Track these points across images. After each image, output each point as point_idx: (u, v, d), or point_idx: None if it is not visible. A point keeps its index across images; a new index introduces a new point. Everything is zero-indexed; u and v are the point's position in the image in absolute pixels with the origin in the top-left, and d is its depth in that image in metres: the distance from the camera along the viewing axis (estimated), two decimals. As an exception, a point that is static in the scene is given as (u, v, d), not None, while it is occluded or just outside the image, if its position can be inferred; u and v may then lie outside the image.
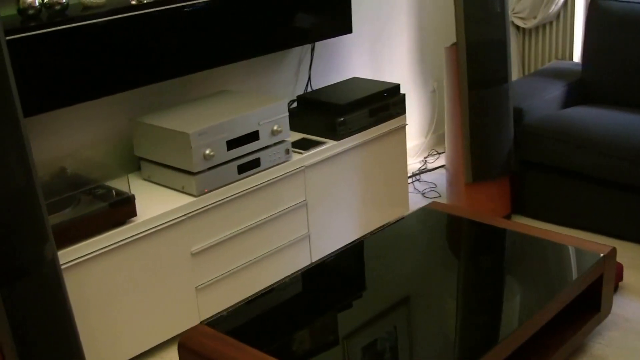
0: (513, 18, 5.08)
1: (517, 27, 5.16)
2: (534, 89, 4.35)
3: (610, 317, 3.36)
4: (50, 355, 2.42)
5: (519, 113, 4.14)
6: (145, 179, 3.47)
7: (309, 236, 3.78)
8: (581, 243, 3.20)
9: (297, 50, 4.21)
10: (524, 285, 2.93)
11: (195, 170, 3.24)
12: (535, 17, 5.01)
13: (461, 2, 3.81)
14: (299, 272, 3.69)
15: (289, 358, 2.52)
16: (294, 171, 3.62)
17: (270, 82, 4.11)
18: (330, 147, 3.77)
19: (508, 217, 4.28)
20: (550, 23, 5.03)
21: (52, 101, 3.02)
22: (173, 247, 3.22)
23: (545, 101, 4.29)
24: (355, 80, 4.21)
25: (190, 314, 3.34)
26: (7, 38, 2.69)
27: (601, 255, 3.11)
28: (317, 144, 3.76)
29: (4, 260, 2.22)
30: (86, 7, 3.13)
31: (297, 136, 3.86)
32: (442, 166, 5.02)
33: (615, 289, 3.50)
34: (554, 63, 4.87)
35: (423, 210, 3.54)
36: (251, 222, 3.49)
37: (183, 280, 3.28)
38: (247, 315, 2.80)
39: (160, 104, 3.64)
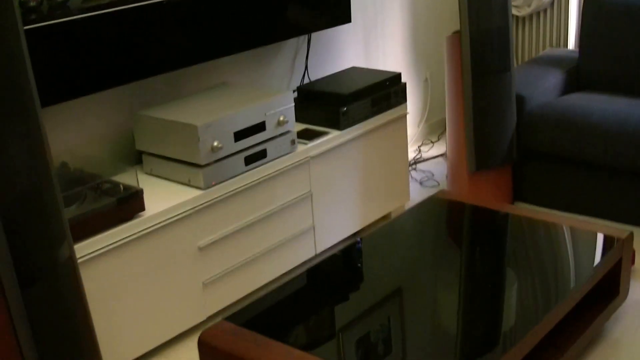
0: (507, 6, 4.97)
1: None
2: (533, 77, 4.24)
3: (625, 301, 3.26)
4: (68, 356, 2.27)
5: (520, 101, 4.03)
6: (147, 173, 3.31)
7: (314, 228, 3.64)
8: (598, 228, 3.11)
9: (292, 41, 4.07)
10: (547, 272, 2.81)
11: (202, 163, 3.10)
12: (529, 6, 4.91)
13: (464, -9, 3.70)
14: (315, 262, 3.59)
15: (318, 350, 2.39)
16: (299, 162, 3.48)
17: (266, 74, 3.97)
18: (334, 137, 3.64)
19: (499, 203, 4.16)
20: (544, 11, 4.93)
21: (49, 96, 2.86)
22: (180, 242, 3.07)
23: (545, 89, 4.18)
24: (354, 70, 4.08)
25: (196, 310, 3.20)
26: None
27: (620, 239, 3.01)
28: (320, 134, 3.63)
29: (25, 261, 2.06)
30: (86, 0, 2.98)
31: (299, 127, 3.73)
32: (441, 155, 4.89)
33: (628, 274, 3.40)
34: (548, 51, 4.76)
35: (432, 199, 3.41)
36: (257, 214, 3.35)
37: (190, 276, 3.14)
38: (265, 308, 2.66)
39: (158, 98, 3.49)
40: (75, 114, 3.20)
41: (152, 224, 2.95)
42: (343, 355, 2.38)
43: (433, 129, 5.27)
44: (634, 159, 3.72)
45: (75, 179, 2.96)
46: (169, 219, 3.00)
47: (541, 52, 4.83)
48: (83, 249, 2.76)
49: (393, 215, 4.15)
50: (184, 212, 3.05)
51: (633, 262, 3.44)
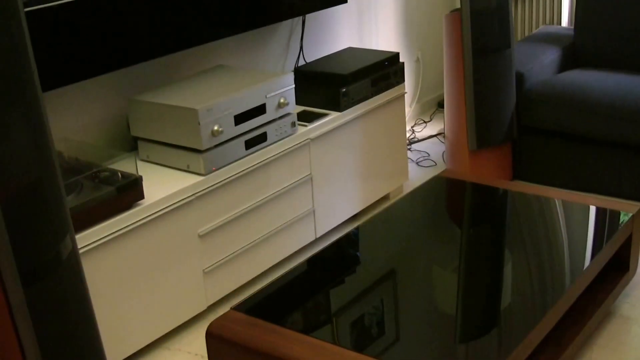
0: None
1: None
2: (530, 54, 4.09)
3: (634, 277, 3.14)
4: (71, 354, 2.10)
5: (520, 78, 3.88)
6: (143, 160, 3.14)
7: (314, 211, 3.49)
8: (608, 204, 2.98)
9: (287, 23, 3.90)
10: (559, 250, 2.68)
11: (203, 148, 2.93)
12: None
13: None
14: (319, 247, 3.44)
15: (335, 337, 2.24)
16: (299, 144, 3.32)
17: (261, 56, 3.80)
18: (334, 118, 3.48)
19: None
20: (538, -13, 4.79)
21: (41, 83, 2.66)
22: (180, 229, 2.91)
23: (543, 66, 4.04)
24: (351, 51, 3.91)
25: (197, 299, 3.04)
26: None
27: (630, 214, 2.89)
28: (320, 116, 3.46)
29: (27, 257, 1.90)
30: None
31: (298, 109, 3.56)
32: (438, 134, 4.74)
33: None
34: (543, 28, 4.61)
35: (437, 179, 3.26)
36: (257, 199, 3.19)
37: (190, 265, 2.97)
38: (274, 296, 2.50)
39: (152, 83, 3.31)
40: (67, 100, 3.02)
41: (151, 212, 2.78)
42: (359, 339, 2.24)
43: (425, 109, 5.12)
44: (634, 133, 3.59)
45: (71, 167, 2.79)
46: (168, 206, 2.84)
47: (535, 30, 4.68)
48: (82, 240, 2.58)
49: (392, 196, 4.00)
50: (184, 199, 2.89)
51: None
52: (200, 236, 2.98)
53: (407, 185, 4.10)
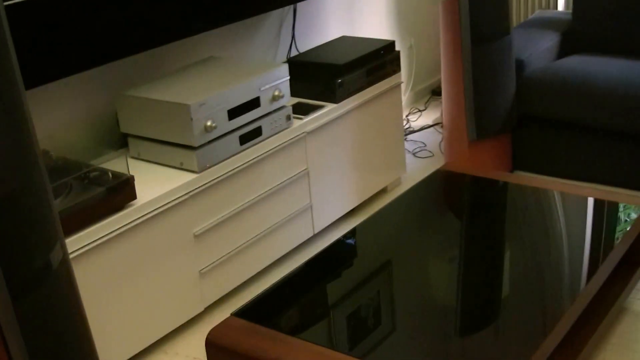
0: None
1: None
2: (528, 41, 3.97)
3: None
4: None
5: (519, 65, 3.76)
6: (134, 157, 3.01)
7: (311, 206, 3.37)
8: (618, 197, 2.87)
9: (277, 12, 3.76)
10: (574, 245, 2.56)
11: (196, 145, 2.80)
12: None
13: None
14: (319, 246, 3.33)
15: (339, 346, 2.12)
16: (295, 138, 3.20)
17: (252, 47, 3.67)
18: (330, 110, 3.36)
19: (510, 173, 3.91)
20: (533, -30, 4.67)
21: (25, 80, 2.55)
22: (174, 230, 2.79)
23: (542, 52, 3.92)
24: (345, 39, 3.78)
25: (194, 301, 2.92)
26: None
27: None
28: (316, 108, 3.34)
29: (16, 269, 1.77)
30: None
31: (292, 101, 3.44)
32: (435, 124, 4.62)
33: None
34: (539, 13, 4.49)
35: (437, 173, 3.15)
36: (253, 196, 3.07)
37: (186, 266, 2.85)
38: (274, 301, 2.38)
39: (141, 77, 3.17)
40: (53, 97, 2.88)
41: (144, 213, 2.66)
42: (366, 347, 2.12)
43: (419, 97, 5.01)
44: (637, 121, 3.48)
45: (59, 168, 2.66)
46: (162, 206, 2.71)
47: (531, 15, 4.56)
48: (72, 244, 2.46)
49: (390, 189, 3.88)
50: (177, 198, 2.77)
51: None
52: (196, 236, 2.86)
53: (404, 177, 3.99)
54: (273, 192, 3.15)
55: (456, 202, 2.95)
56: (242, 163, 2.98)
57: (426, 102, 4.96)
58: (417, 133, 4.54)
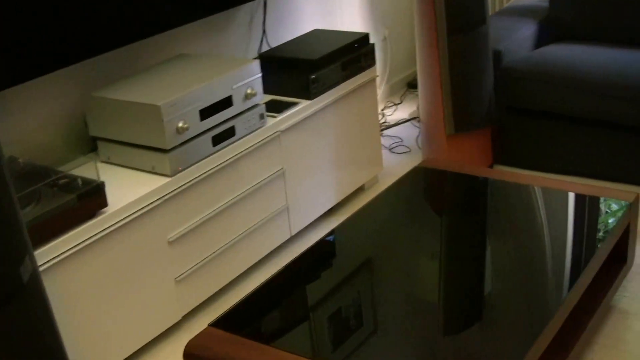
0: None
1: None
2: (505, 30, 3.98)
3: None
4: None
5: (497, 56, 3.77)
6: (105, 161, 2.98)
7: (288, 207, 3.35)
8: (602, 192, 2.87)
9: (248, 6, 3.73)
10: (560, 242, 2.56)
11: (168, 147, 2.78)
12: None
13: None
14: (297, 250, 3.31)
15: (321, 354, 2.11)
16: (269, 137, 3.18)
17: (222, 43, 3.64)
18: (304, 107, 3.34)
19: (490, 167, 3.92)
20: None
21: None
22: (148, 237, 2.76)
23: (520, 42, 3.93)
24: (317, 33, 3.76)
25: (170, 310, 2.90)
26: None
27: (628, 203, 2.78)
28: (289, 105, 3.32)
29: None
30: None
31: (265, 99, 3.42)
32: (412, 119, 4.61)
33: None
34: (514, 1, 4.51)
35: (416, 170, 3.14)
36: (228, 199, 3.05)
37: (161, 273, 2.83)
38: (252, 310, 2.36)
39: (110, 77, 3.14)
40: (17, 101, 2.84)
41: (117, 220, 2.63)
42: (348, 354, 2.11)
43: (395, 90, 5.00)
44: (626, 112, 3.49)
45: (27, 175, 2.63)
46: (134, 212, 2.69)
47: (507, 4, 4.57)
48: (42, 255, 2.43)
49: (367, 187, 3.87)
50: (150, 203, 2.74)
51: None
52: (170, 242, 2.83)
53: (382, 174, 3.98)
54: (248, 194, 3.13)
55: (436, 201, 2.95)
56: (215, 165, 2.96)
57: (402, 96, 4.95)
58: (394, 128, 4.53)
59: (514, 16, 4.17)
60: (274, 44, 3.89)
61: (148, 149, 2.82)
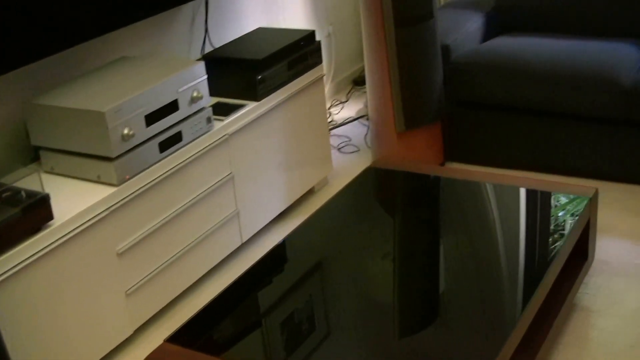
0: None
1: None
2: (452, 23, 4.01)
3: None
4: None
5: (445, 50, 3.79)
6: (48, 172, 2.93)
7: (238, 213, 3.33)
8: (561, 187, 2.90)
9: (189, 5, 3.70)
10: (517, 242, 2.58)
11: (113, 155, 2.74)
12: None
13: None
14: (250, 259, 3.30)
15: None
16: (217, 141, 3.16)
17: (164, 44, 3.60)
18: (251, 109, 3.32)
19: (442, 164, 3.94)
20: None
21: None
22: (96, 249, 2.72)
23: (468, 35, 3.96)
24: (262, 31, 3.75)
25: (121, 325, 2.86)
26: None
27: (588, 198, 2.81)
28: (236, 107, 3.30)
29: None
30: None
31: (211, 101, 3.39)
32: (361, 117, 4.62)
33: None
34: (460, -7, 4.53)
35: (367, 171, 3.13)
36: (177, 207, 3.02)
37: (110, 287, 2.79)
38: (208, 323, 2.34)
39: (50, 83, 3.08)
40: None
41: (63, 234, 2.59)
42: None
43: (340, 88, 5.01)
44: (576, 101, 3.54)
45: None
46: (81, 225, 2.65)
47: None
48: (-14, 273, 2.38)
49: (317, 189, 3.87)
50: (97, 215, 2.70)
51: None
52: (119, 254, 2.80)
53: (331, 175, 3.98)
54: (197, 201, 3.10)
55: (389, 202, 2.95)
56: (163, 172, 2.93)
57: (348, 93, 4.96)
58: (341, 127, 4.53)
59: (460, 9, 4.19)
60: (218, 44, 3.86)
61: (93, 158, 2.78)
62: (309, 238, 2.72)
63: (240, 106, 3.31)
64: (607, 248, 3.20)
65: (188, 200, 3.06)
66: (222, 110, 3.27)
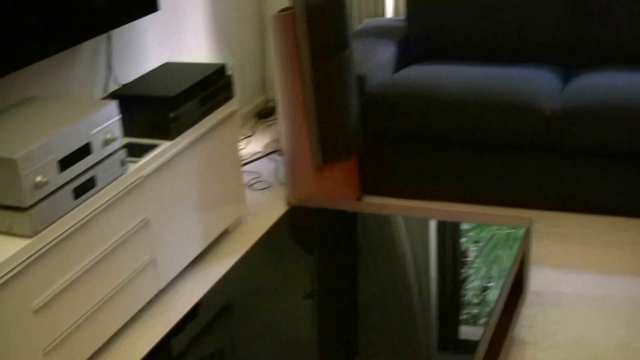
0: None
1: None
2: (365, 53, 4.01)
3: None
4: None
5: (361, 81, 3.77)
6: (-50, 226, 2.77)
7: (155, 259, 3.23)
8: (496, 219, 2.90)
9: (90, 42, 3.58)
10: (463, 280, 2.56)
11: (26, 205, 2.61)
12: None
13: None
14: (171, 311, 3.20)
15: None
16: (131, 185, 3.06)
17: (67, 83, 3.47)
18: (165, 148, 3.24)
19: (359, 199, 3.91)
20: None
21: None
22: (10, 308, 2.58)
23: (381, 64, 3.97)
24: (169, 66, 3.66)
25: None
26: None
27: (525, 229, 2.82)
28: (149, 147, 3.21)
29: None
30: None
31: (123, 142, 3.27)
32: (273, 152, 4.55)
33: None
34: (368, 22, 4.54)
35: (289, 213, 3.07)
36: (93, 256, 2.91)
37: (26, 346, 2.66)
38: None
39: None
40: None
41: (-25, 293, 2.45)
42: None
43: (245, 121, 4.94)
44: (497, 130, 3.57)
45: None
46: (-7, 282, 2.51)
47: (360, 25, 4.59)
48: None
49: (232, 229, 3.79)
50: (10, 270, 2.56)
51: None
52: (35, 311, 2.67)
53: (245, 214, 3.89)
54: (113, 249, 3.00)
55: (309, 242, 2.90)
56: (78, 220, 2.82)
57: (253, 127, 4.89)
58: (251, 163, 4.46)
59: (371, 38, 4.20)
60: (124, 80, 3.75)
61: (3, 208, 2.65)
62: (230, 291, 2.64)
63: (153, 146, 3.22)
64: (539, 278, 3.21)
65: (104, 249, 2.95)
66: (135, 151, 3.18)
